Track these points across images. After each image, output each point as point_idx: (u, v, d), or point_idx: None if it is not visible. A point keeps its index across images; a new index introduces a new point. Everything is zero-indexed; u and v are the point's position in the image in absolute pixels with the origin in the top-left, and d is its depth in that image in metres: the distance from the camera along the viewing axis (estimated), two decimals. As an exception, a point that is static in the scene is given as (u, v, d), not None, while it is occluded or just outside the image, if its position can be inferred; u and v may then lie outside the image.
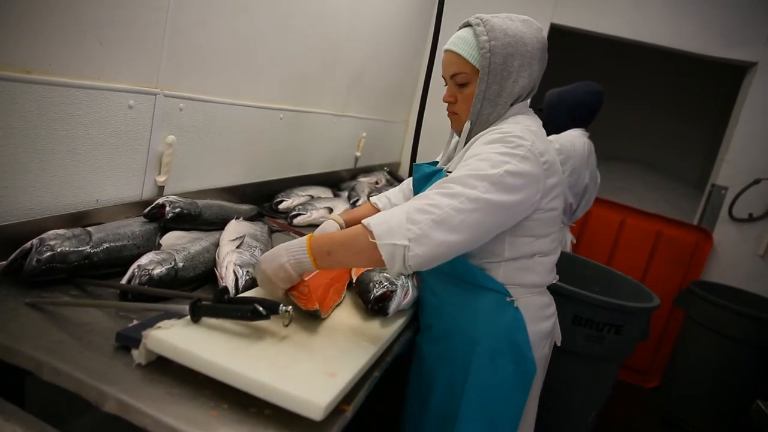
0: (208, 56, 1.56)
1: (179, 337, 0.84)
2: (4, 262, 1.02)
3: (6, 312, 0.91)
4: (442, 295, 1.25)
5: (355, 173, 2.88)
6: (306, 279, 1.07)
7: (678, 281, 3.18)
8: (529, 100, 1.24)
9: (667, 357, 3.18)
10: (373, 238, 0.96)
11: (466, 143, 1.19)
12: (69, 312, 0.96)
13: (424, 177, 1.28)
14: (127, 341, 0.86)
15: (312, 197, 2.14)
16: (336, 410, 0.80)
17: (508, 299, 1.17)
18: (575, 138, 2.26)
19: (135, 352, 0.84)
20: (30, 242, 1.02)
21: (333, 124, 2.51)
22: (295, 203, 2.01)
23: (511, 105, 1.18)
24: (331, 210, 2.00)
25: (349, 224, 1.39)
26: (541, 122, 1.22)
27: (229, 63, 1.67)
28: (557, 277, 1.29)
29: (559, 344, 1.34)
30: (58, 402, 0.84)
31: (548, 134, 2.32)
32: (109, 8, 1.19)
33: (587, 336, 2.02)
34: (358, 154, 2.90)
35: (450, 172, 1.12)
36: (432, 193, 1.01)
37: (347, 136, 2.74)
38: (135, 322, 0.94)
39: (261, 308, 0.82)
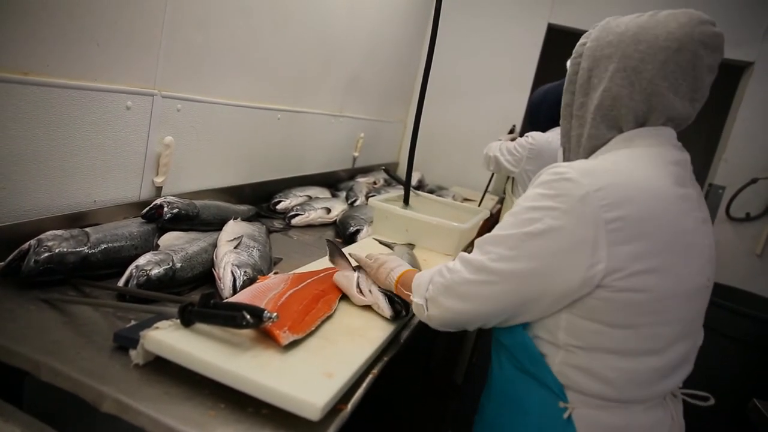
0: (206, 57, 1.57)
1: (177, 338, 0.84)
2: (2, 263, 1.02)
3: (4, 313, 0.92)
4: (499, 376, 1.01)
5: (353, 173, 2.89)
6: (287, 293, 1.04)
7: (675, 280, 3.18)
8: (660, 129, 0.90)
9: (664, 356, 3.19)
10: (409, 291, 1.03)
11: None
12: (67, 313, 0.96)
13: None
14: (125, 342, 0.86)
15: (310, 197, 2.15)
16: (333, 410, 0.81)
17: (560, 404, 0.86)
18: (554, 135, 2.21)
19: (133, 353, 0.84)
20: (28, 243, 1.02)
21: (331, 125, 2.52)
22: (293, 204, 2.01)
23: (620, 130, 0.90)
24: (329, 210, 2.00)
25: None
26: (668, 159, 0.88)
27: (227, 63, 1.67)
28: (664, 391, 0.89)
29: None
30: (57, 402, 0.84)
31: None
32: (107, 9, 1.19)
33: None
34: (356, 154, 2.91)
35: None
36: (460, 256, 0.93)
37: (345, 137, 2.74)
38: (133, 322, 0.94)
39: (248, 316, 0.83)
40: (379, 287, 1.16)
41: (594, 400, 0.86)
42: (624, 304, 0.80)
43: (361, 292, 1.15)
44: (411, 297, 1.01)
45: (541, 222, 0.80)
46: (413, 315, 1.21)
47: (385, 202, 1.88)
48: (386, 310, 1.11)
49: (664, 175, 0.85)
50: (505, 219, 0.87)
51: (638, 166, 0.84)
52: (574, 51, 0.96)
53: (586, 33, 0.95)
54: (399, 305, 1.12)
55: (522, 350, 0.91)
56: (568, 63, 0.97)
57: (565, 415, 0.85)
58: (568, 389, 0.87)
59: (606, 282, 0.78)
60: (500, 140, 2.56)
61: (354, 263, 1.24)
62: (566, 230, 0.78)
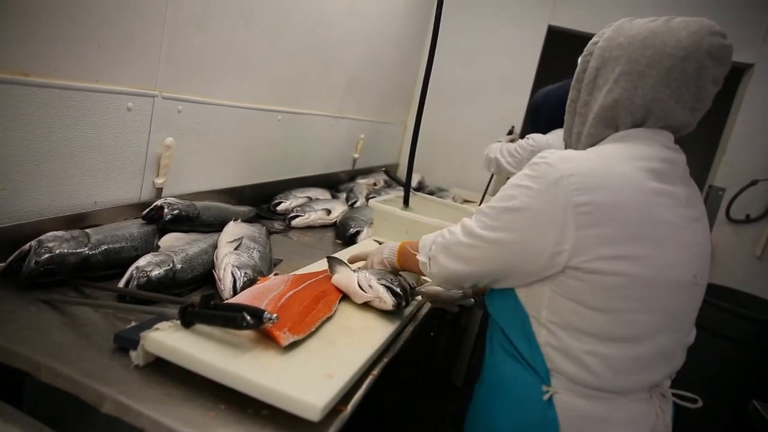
0: (207, 58, 1.57)
1: (177, 339, 0.84)
2: (3, 264, 1.02)
3: (4, 314, 0.92)
4: (490, 361, 1.03)
5: (353, 175, 2.89)
6: (287, 295, 1.04)
7: (675, 282, 3.18)
8: (655, 130, 0.91)
9: (664, 358, 3.19)
10: (415, 251, 1.12)
11: None
12: (67, 314, 0.96)
13: None
14: (125, 343, 0.86)
15: (310, 199, 2.15)
16: (333, 411, 0.81)
17: (543, 387, 0.88)
18: (555, 137, 2.21)
19: (133, 354, 0.84)
20: (28, 244, 1.03)
21: (331, 126, 2.52)
22: (293, 205, 2.01)
23: (616, 129, 0.93)
24: (329, 212, 2.00)
25: None
26: (652, 155, 0.88)
27: (228, 65, 1.67)
28: (645, 384, 0.90)
29: None
30: (57, 403, 0.84)
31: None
32: (108, 11, 1.19)
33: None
34: (356, 155, 2.91)
35: None
36: (462, 220, 1.01)
37: (345, 138, 2.74)
38: (133, 323, 0.94)
39: (248, 317, 0.83)
40: (378, 280, 1.16)
41: (577, 387, 0.87)
42: (596, 286, 0.83)
43: (361, 288, 1.15)
44: (417, 256, 1.10)
45: (518, 199, 0.87)
46: (413, 309, 1.23)
47: (385, 204, 1.88)
48: (388, 300, 1.12)
49: (643, 168, 0.86)
50: (497, 193, 0.96)
51: (619, 159, 0.87)
52: (585, 49, 0.98)
53: (600, 32, 0.97)
54: (400, 296, 1.13)
55: (518, 331, 0.94)
56: (579, 60, 1.00)
57: (545, 397, 0.87)
58: (553, 372, 0.89)
59: (574, 263, 0.83)
60: (500, 141, 2.55)
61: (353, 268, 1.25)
62: (538, 209, 0.85)
